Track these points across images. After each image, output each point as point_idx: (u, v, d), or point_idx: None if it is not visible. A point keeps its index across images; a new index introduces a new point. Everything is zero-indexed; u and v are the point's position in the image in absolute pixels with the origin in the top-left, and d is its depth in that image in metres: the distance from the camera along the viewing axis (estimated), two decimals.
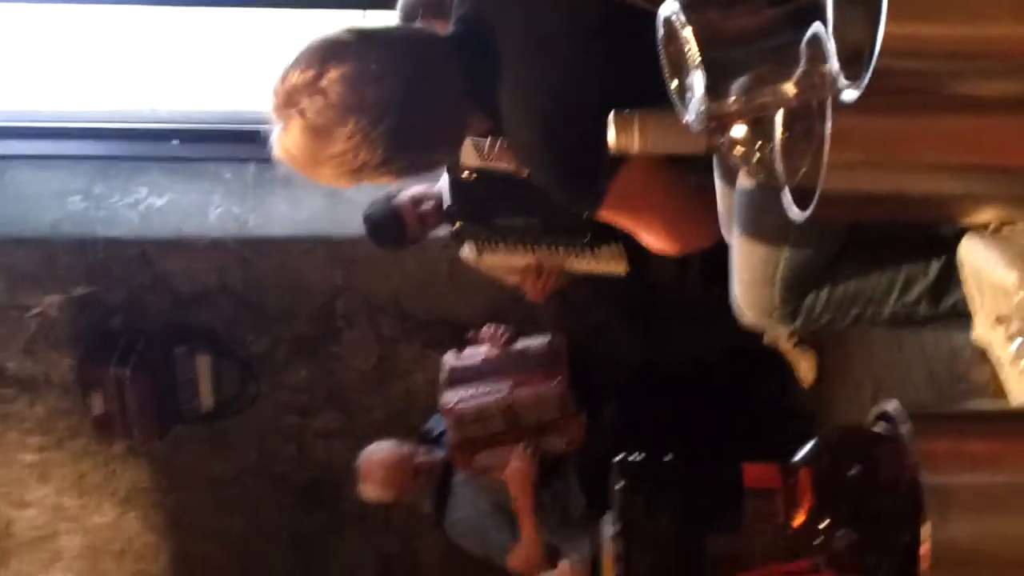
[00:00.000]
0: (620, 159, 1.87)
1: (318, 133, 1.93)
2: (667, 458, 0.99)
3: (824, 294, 2.11)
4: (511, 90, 1.98)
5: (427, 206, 3.82)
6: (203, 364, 4.63)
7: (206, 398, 4.67)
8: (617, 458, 0.99)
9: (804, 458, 0.97)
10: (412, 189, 3.86)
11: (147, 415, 4.45)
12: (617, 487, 0.97)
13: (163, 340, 4.54)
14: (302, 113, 1.93)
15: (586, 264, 3.69)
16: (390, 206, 3.84)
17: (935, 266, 2.04)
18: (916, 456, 0.92)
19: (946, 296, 2.06)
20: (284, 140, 1.98)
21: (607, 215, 2.05)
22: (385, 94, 1.92)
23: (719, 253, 2.18)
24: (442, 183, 3.76)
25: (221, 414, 4.72)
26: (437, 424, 4.23)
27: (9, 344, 4.58)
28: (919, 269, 2.06)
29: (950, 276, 1.99)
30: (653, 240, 2.11)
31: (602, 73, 1.94)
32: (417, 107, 1.96)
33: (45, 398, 4.67)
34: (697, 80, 0.98)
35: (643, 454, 0.99)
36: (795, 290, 2.08)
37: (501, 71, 1.98)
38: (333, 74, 1.91)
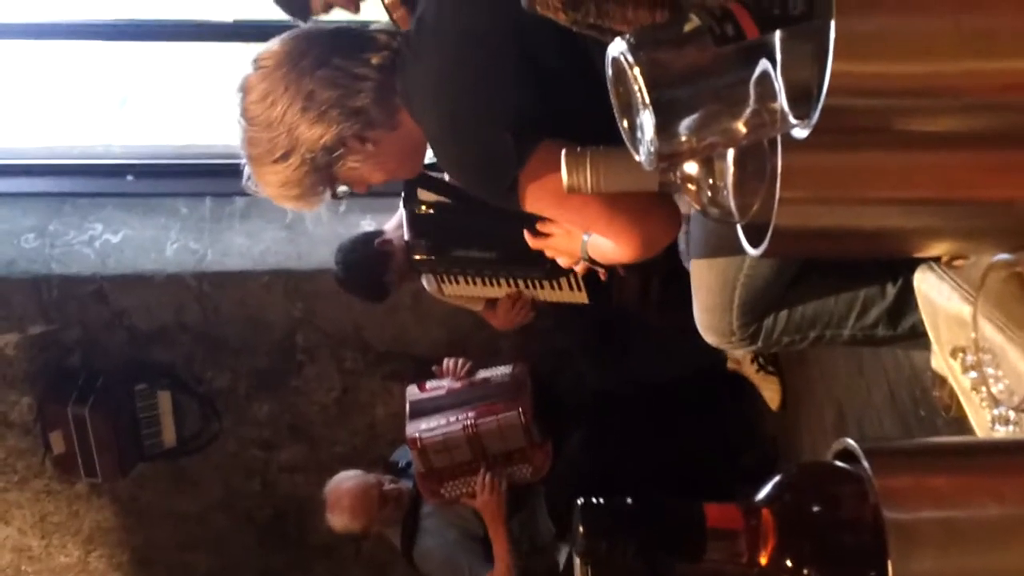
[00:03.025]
0: (532, 146, 1.83)
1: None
2: (628, 500, 0.98)
3: (783, 317, 2.12)
4: (423, 82, 1.96)
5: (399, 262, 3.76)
6: (164, 400, 4.59)
7: (168, 434, 4.63)
8: (578, 501, 0.98)
9: (766, 497, 0.96)
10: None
11: (109, 453, 4.40)
12: (578, 532, 0.96)
13: (122, 377, 4.49)
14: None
15: (547, 295, 3.68)
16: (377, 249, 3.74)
17: (892, 289, 2.06)
18: (878, 493, 0.91)
19: (904, 318, 2.07)
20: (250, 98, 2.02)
21: (537, 207, 1.92)
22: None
23: (680, 279, 2.17)
24: (398, 218, 3.72)
25: (184, 450, 4.68)
26: (403, 455, 4.21)
27: None
28: (876, 292, 2.08)
29: (907, 298, 2.00)
30: (606, 238, 1.95)
31: (524, 76, 1.89)
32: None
33: (4, 438, 4.61)
34: (647, 120, 0.97)
35: (603, 497, 0.98)
36: (753, 314, 2.09)
37: (422, 69, 1.96)
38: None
